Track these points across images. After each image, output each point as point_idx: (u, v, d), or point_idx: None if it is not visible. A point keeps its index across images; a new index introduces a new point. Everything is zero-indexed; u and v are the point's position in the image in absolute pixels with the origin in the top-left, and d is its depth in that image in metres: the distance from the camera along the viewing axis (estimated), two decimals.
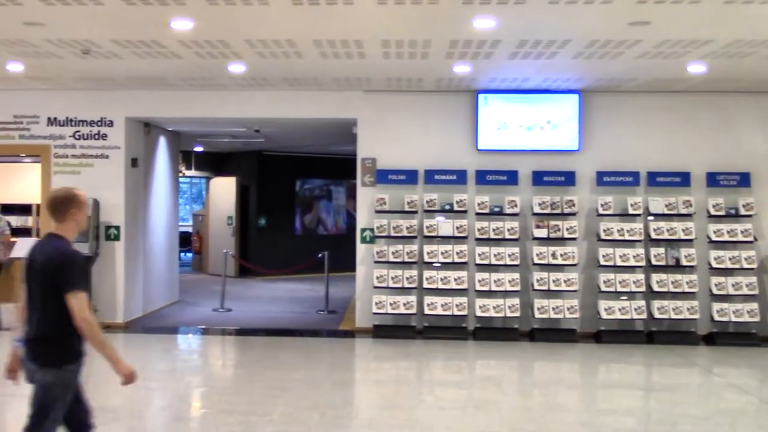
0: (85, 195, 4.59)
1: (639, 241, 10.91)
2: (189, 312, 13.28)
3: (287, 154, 19.01)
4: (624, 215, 10.97)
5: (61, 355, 4.30)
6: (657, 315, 10.72)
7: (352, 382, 8.87)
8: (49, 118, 11.50)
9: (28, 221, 13.63)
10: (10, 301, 11.19)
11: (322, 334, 11.57)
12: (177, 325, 12.07)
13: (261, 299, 15.05)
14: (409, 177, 11.19)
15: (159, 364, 9.46)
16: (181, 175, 17.07)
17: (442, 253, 10.93)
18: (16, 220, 12.95)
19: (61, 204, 4.45)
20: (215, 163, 20.98)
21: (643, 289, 10.81)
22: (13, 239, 11.48)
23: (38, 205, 12.17)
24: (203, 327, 11.87)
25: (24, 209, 13.58)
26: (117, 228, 11.45)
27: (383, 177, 11.22)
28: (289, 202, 19.56)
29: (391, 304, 10.89)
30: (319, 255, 13.70)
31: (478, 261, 10.90)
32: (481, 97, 11.14)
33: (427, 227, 11.03)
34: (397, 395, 8.04)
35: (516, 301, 10.85)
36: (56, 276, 4.24)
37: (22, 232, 12.86)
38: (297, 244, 18.88)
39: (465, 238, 11.01)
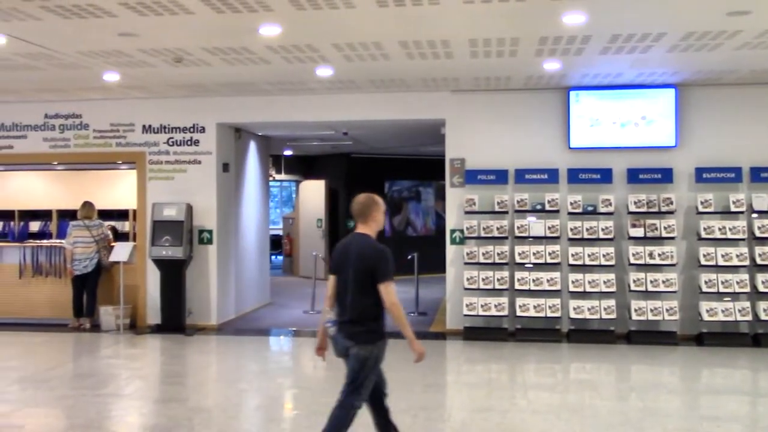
0: (381, 199, 5.43)
1: (742, 239, 10.54)
2: (280, 314, 13.52)
3: (375, 156, 19.13)
4: (725, 213, 10.61)
5: (373, 334, 5.17)
6: (763, 316, 10.32)
7: (443, 385, 8.86)
8: (143, 126, 11.91)
9: (126, 226, 14.09)
10: (110, 303, 11.64)
11: None
12: (268, 326, 12.30)
13: None
14: (499, 177, 11.11)
15: (251, 366, 9.67)
16: (271, 178, 17.39)
17: (534, 254, 10.81)
18: (116, 225, 13.41)
19: (365, 207, 5.34)
20: (304, 166, 21.28)
21: (747, 289, 10.42)
22: (112, 244, 11.92)
23: (134, 211, 12.60)
24: (294, 329, 12.06)
25: (121, 215, 14.05)
26: (210, 232, 11.76)
27: (472, 177, 11.18)
28: None
29: (482, 306, 10.84)
30: (409, 257, 13.75)
31: (572, 261, 10.74)
32: (572, 94, 10.97)
33: (518, 227, 10.93)
34: (489, 398, 7.99)
35: (612, 302, 10.64)
36: (371, 269, 5.11)
37: (121, 237, 13.32)
38: (386, 245, 18.85)
39: (557, 238, 10.86)
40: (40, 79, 10.12)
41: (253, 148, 13.81)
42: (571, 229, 10.80)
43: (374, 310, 5.15)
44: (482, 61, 9.10)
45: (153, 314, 11.64)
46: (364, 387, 5.24)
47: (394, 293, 5.10)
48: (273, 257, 19.77)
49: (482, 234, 10.99)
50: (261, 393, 8.30)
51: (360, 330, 5.16)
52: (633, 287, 10.60)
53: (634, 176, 10.85)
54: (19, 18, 6.98)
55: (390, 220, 19.85)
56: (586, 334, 10.72)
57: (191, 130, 11.81)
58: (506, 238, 11.03)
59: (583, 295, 10.73)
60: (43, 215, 14.72)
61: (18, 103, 12.14)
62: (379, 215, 5.36)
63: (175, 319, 11.34)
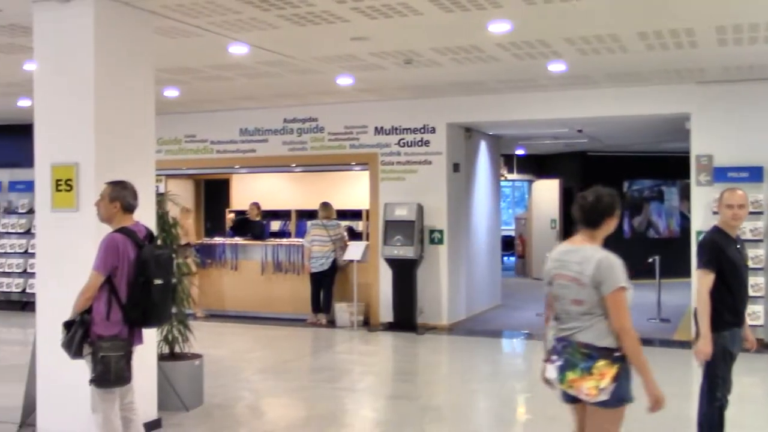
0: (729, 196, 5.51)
1: None
2: (512, 316, 13.56)
3: (613, 154, 18.62)
4: None
5: (713, 323, 5.31)
6: None
7: (690, 396, 8.48)
8: (376, 128, 12.43)
9: (359, 226, 14.75)
10: (345, 300, 12.25)
11: (655, 343, 11.16)
12: (500, 328, 12.38)
13: None
14: (753, 174, 10.44)
15: (482, 367, 9.80)
16: (502, 178, 17.49)
17: None
18: (349, 224, 14.09)
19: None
20: (537, 165, 21.15)
21: None
22: (348, 243, 12.55)
23: (367, 211, 13.19)
24: (527, 332, 12.05)
25: (355, 215, 14.73)
26: (440, 232, 12.04)
27: (721, 175, 10.59)
28: None
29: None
30: (650, 260, 13.27)
31: None
32: None
33: None
34: (741, 414, 7.53)
35: None
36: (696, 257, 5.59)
37: (356, 236, 13.98)
38: (625, 247, 17.92)
39: None
40: (279, 85, 10.88)
41: (483, 147, 13.97)
42: None
43: (712, 298, 5.34)
44: (732, 50, 8.60)
45: (385, 312, 12.11)
46: (718, 377, 5.42)
47: (700, 284, 5.34)
48: (505, 258, 19.82)
49: None
50: (492, 395, 8.40)
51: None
52: None
53: None
54: (259, 28, 7.56)
55: (629, 220, 19.26)
56: None
57: (422, 130, 12.16)
58: (761, 240, 10.35)
59: None
60: (282, 215, 15.80)
61: (259, 109, 13.11)
62: (721, 209, 5.54)
63: (406, 318, 11.73)
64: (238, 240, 13.50)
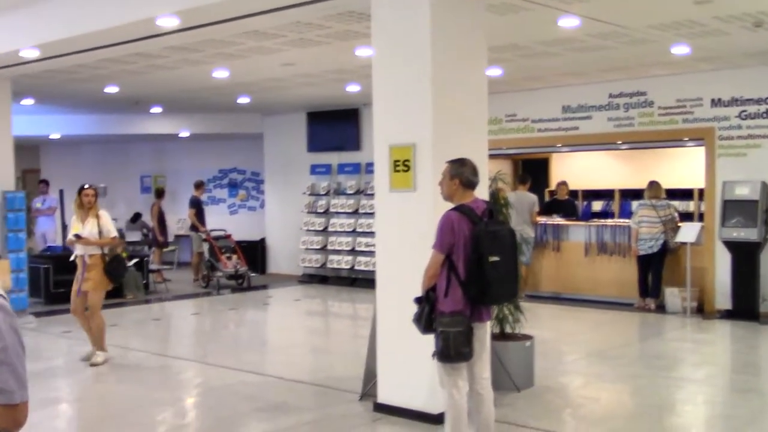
0: None
1: None
2: None
3: None
4: None
5: None
6: None
7: None
8: (712, 100, 11.63)
9: (689, 206, 13.99)
10: (676, 285, 11.67)
11: None
12: None
13: None
14: None
15: None
16: None
17: None
18: (678, 205, 13.39)
19: None
20: None
21: None
22: (679, 224, 11.93)
23: (700, 190, 12.44)
24: None
25: (685, 194, 13.97)
26: None
27: None
28: None
29: None
30: None
31: None
32: None
33: None
34: None
35: None
36: None
37: (685, 217, 13.25)
38: None
39: None
40: (607, 58, 10.56)
41: None
42: None
43: None
44: None
45: (722, 299, 11.35)
46: None
47: None
48: None
49: None
50: None
51: None
52: None
53: None
54: None
55: None
56: None
57: (767, 101, 11.18)
58: None
59: None
60: (604, 195, 15.41)
61: (582, 85, 12.83)
62: None
63: (747, 306, 10.89)
64: (559, 220, 13.36)
